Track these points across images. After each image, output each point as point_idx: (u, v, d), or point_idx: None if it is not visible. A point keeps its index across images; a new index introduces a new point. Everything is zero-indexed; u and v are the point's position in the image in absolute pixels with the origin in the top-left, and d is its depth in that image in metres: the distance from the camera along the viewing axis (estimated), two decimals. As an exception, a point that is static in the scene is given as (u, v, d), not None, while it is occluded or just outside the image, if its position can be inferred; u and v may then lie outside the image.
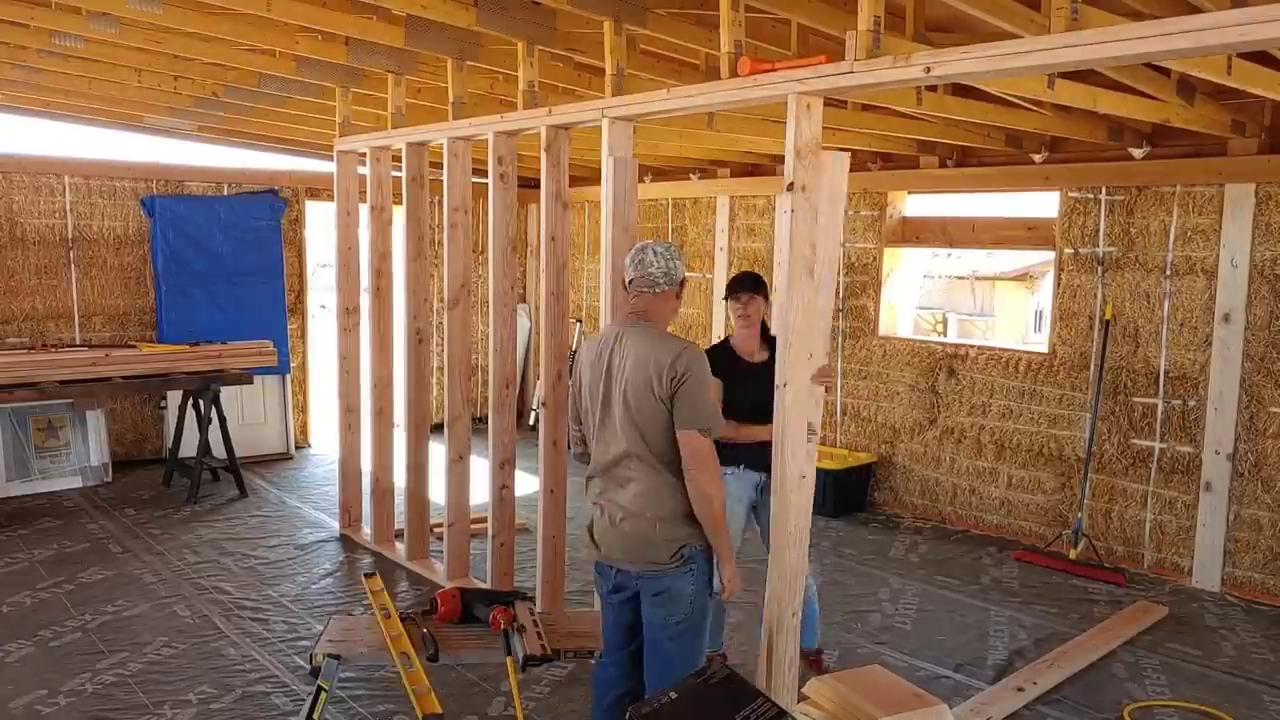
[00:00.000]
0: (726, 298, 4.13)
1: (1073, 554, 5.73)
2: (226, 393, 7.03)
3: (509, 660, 3.16)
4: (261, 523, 6.33)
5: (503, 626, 3.26)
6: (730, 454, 3.55)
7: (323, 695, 3.16)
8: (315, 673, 3.19)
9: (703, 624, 2.97)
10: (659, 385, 2.81)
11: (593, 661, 3.26)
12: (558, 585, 4.53)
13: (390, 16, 4.42)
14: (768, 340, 3.97)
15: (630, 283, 3.04)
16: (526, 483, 5.32)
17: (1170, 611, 5.04)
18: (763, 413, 3.33)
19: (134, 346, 7.05)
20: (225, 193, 7.93)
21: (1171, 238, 5.54)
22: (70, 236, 7.36)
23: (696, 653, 2.95)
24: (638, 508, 2.88)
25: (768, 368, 3.29)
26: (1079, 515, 5.82)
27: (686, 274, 3.11)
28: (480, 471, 4.97)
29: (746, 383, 3.87)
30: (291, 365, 8.21)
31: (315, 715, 3.15)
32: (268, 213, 7.97)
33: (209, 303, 7.68)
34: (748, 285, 4.06)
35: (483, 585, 4.92)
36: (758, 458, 3.74)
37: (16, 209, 7.14)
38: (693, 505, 2.83)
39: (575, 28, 4.43)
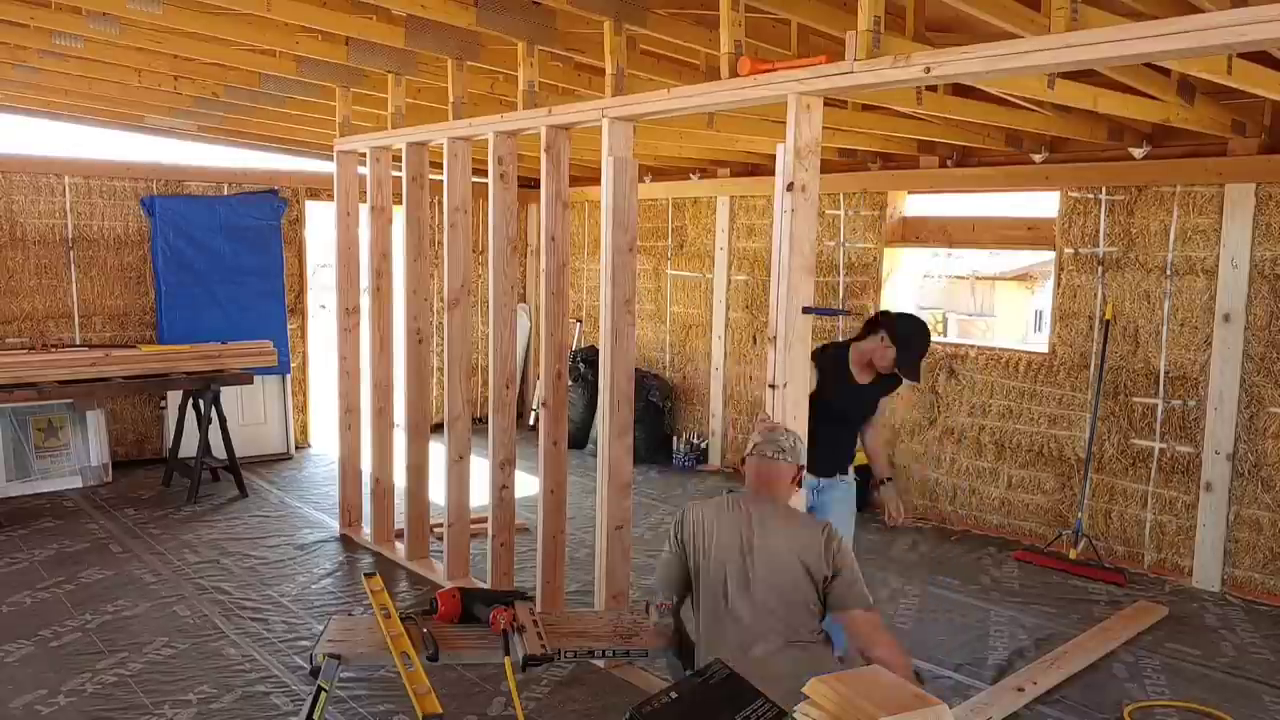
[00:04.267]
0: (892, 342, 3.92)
1: (1073, 554, 5.72)
2: (226, 393, 7.02)
3: (508, 661, 3.16)
4: (261, 523, 6.33)
5: (502, 627, 3.26)
6: None
7: (323, 695, 3.16)
8: (315, 673, 3.19)
9: None
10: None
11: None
12: (558, 585, 4.53)
13: (390, 16, 4.42)
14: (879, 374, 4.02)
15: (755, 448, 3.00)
16: (526, 483, 5.32)
17: (1170, 611, 5.04)
18: (842, 422, 3.97)
19: (134, 346, 7.05)
20: (225, 193, 7.92)
21: (1171, 238, 5.54)
22: (70, 236, 7.36)
23: None
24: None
25: (868, 390, 4.04)
26: (1079, 515, 5.82)
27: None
28: (480, 471, 4.96)
29: (843, 394, 3.98)
30: (291, 365, 8.20)
31: (315, 715, 3.15)
32: (268, 213, 7.97)
33: (209, 303, 7.67)
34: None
35: (483, 585, 4.92)
36: (823, 463, 3.82)
37: (16, 209, 7.13)
38: None
39: (575, 28, 4.42)
